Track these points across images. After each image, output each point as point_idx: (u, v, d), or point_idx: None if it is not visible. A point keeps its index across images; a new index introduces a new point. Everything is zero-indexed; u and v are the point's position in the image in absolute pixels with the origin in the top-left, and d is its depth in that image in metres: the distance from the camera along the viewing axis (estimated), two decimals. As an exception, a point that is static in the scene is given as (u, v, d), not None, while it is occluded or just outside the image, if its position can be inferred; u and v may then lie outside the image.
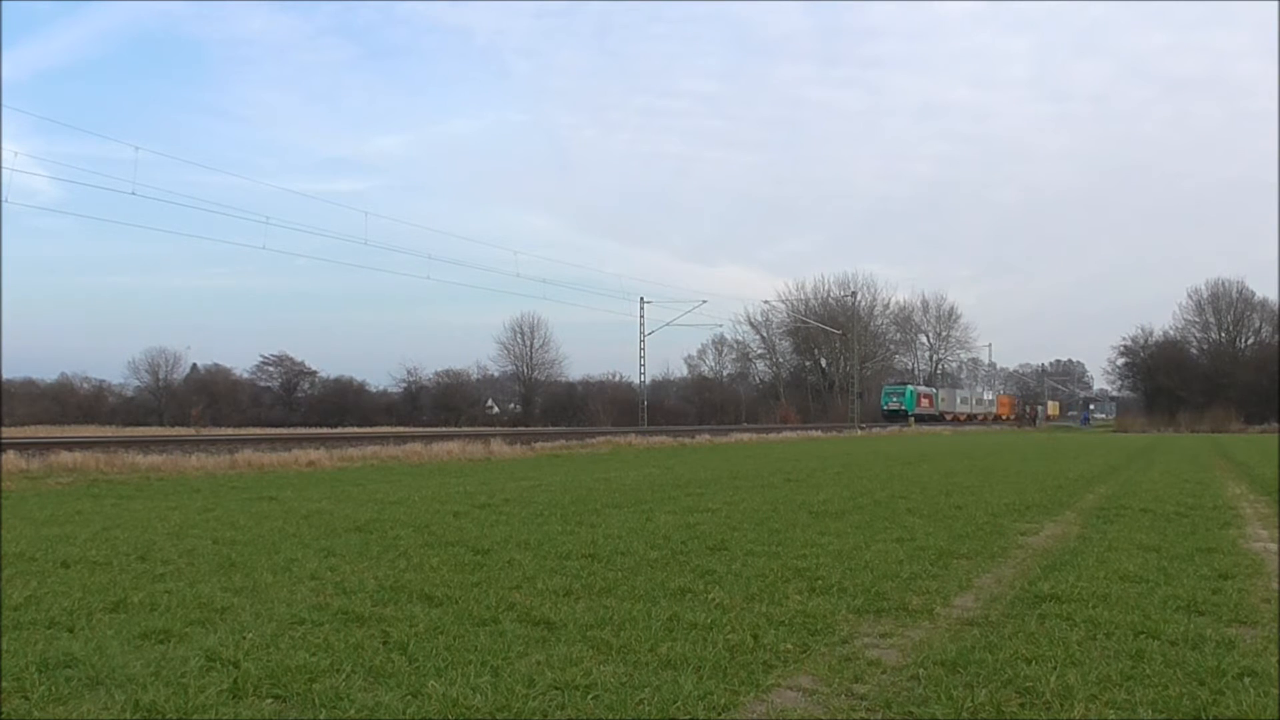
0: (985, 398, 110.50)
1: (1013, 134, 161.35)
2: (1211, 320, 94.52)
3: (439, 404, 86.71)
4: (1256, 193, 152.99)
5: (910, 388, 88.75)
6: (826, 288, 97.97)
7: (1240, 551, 8.45)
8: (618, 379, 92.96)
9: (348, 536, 8.86)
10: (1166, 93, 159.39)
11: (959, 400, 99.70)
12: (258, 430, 48.23)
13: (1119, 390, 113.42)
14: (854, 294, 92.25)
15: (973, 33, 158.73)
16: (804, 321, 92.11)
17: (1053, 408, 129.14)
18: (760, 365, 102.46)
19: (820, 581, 6.60)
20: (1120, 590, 6.43)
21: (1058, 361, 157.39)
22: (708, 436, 39.55)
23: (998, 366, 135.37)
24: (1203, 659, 4.71)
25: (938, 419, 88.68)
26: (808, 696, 4.20)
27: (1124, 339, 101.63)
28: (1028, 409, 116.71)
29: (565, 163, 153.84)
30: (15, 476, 14.85)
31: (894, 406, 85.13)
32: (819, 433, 51.66)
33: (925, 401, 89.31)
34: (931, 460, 24.26)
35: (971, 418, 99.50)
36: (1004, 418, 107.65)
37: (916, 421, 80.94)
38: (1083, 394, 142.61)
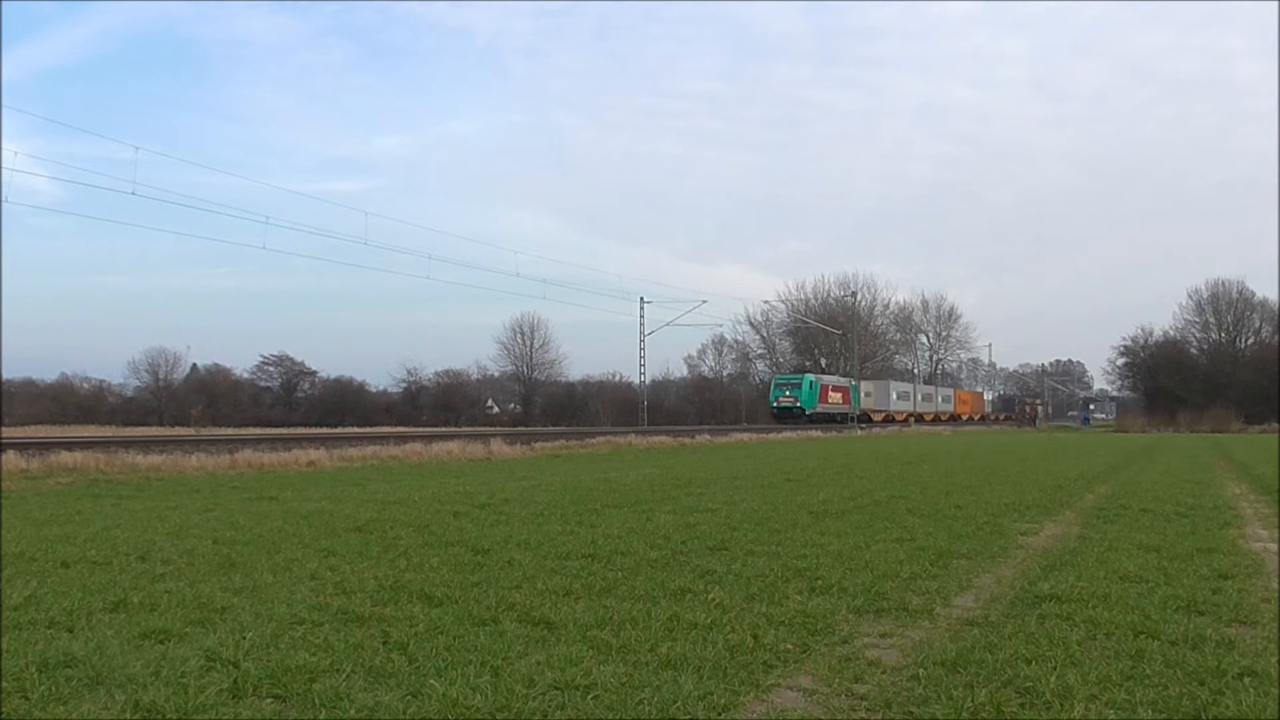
0: (938, 395, 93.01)
1: (1012, 134, 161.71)
2: (1211, 320, 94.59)
3: (439, 404, 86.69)
4: (1256, 193, 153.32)
5: (810, 377, 68.99)
6: (826, 288, 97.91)
7: (1240, 551, 8.45)
8: (618, 379, 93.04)
9: (348, 536, 8.86)
10: (1166, 93, 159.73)
11: (894, 396, 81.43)
12: (258, 430, 48.21)
13: (1119, 390, 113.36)
14: (854, 294, 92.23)
15: (972, 33, 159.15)
16: (804, 321, 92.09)
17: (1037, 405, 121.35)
18: (760, 365, 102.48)
19: (820, 581, 6.60)
20: (1120, 590, 6.43)
21: (1058, 361, 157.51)
22: (708, 436, 39.54)
23: (998, 366, 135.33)
24: (1203, 659, 4.71)
25: (858, 420, 70.14)
26: (808, 696, 4.20)
27: (1124, 339, 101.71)
28: (1028, 409, 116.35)
29: (565, 163, 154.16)
30: (15, 476, 14.85)
31: (786, 403, 65.99)
32: (819, 433, 51.64)
33: (836, 396, 70.14)
34: (931, 460, 24.26)
35: (916, 419, 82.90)
36: (964, 418, 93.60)
37: (826, 423, 64.12)
38: (1083, 394, 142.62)
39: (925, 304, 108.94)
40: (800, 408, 65.47)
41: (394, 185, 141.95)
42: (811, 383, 67.78)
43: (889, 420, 77.91)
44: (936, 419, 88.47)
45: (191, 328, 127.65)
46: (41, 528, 9.33)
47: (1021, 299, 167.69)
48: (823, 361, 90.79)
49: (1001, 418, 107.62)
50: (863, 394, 75.50)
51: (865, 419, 73.82)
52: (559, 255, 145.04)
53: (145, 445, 20.74)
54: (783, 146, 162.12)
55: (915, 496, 13.30)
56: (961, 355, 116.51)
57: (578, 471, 18.79)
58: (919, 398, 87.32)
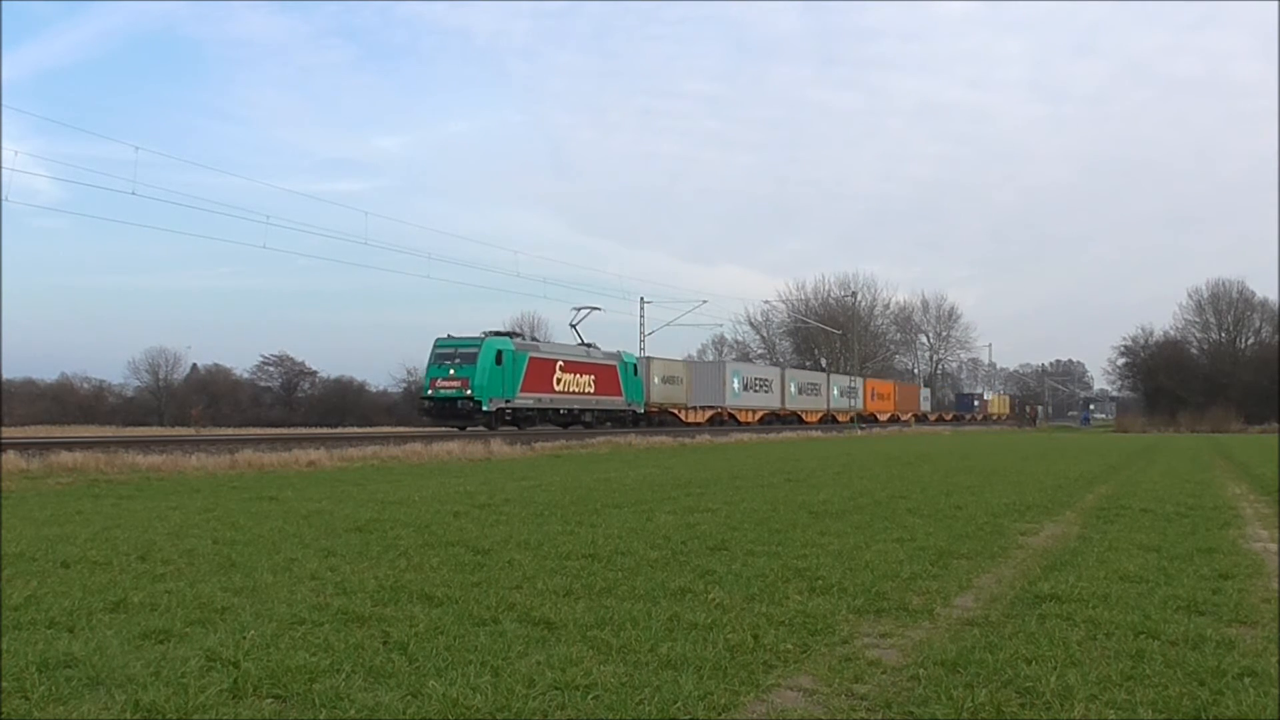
0: (830, 386, 67.27)
1: (1011, 134, 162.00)
2: (1211, 320, 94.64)
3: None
4: (1256, 193, 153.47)
5: (503, 344, 37.02)
6: (826, 288, 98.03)
7: (1240, 551, 8.45)
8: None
9: (348, 536, 8.86)
10: (1165, 93, 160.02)
11: (735, 386, 53.29)
12: (258, 430, 48.16)
13: (1119, 390, 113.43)
14: (854, 294, 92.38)
15: (970, 33, 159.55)
16: (804, 321, 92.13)
17: (998, 402, 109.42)
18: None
19: (820, 581, 6.60)
20: (1120, 590, 6.43)
21: (1058, 361, 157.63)
22: (708, 436, 39.51)
23: (998, 366, 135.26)
24: (1203, 659, 4.71)
25: (644, 421, 45.40)
26: (808, 696, 4.20)
27: (1124, 339, 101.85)
28: (1028, 409, 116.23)
29: (565, 163, 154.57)
30: (15, 476, 14.83)
31: (447, 389, 35.52)
32: (819, 433, 51.62)
33: (579, 380, 40.69)
34: (931, 460, 24.26)
35: (785, 418, 59.19)
36: (882, 418, 73.80)
37: (564, 428, 38.97)
38: (1083, 394, 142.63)
39: (925, 304, 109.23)
40: (472, 399, 34.83)
41: (394, 185, 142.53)
42: (501, 354, 36.10)
43: (724, 420, 52.64)
44: (830, 419, 65.42)
45: (191, 328, 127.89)
46: (41, 528, 9.33)
47: (1021, 299, 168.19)
48: (823, 361, 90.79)
49: (950, 417, 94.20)
50: (656, 379, 47.07)
51: (664, 418, 48.41)
52: (559, 255, 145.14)
53: (145, 445, 20.72)
54: (782, 147, 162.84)
55: (915, 496, 13.30)
56: (961, 355, 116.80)
57: (578, 471, 18.78)
58: (791, 389, 60.47)
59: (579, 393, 41.31)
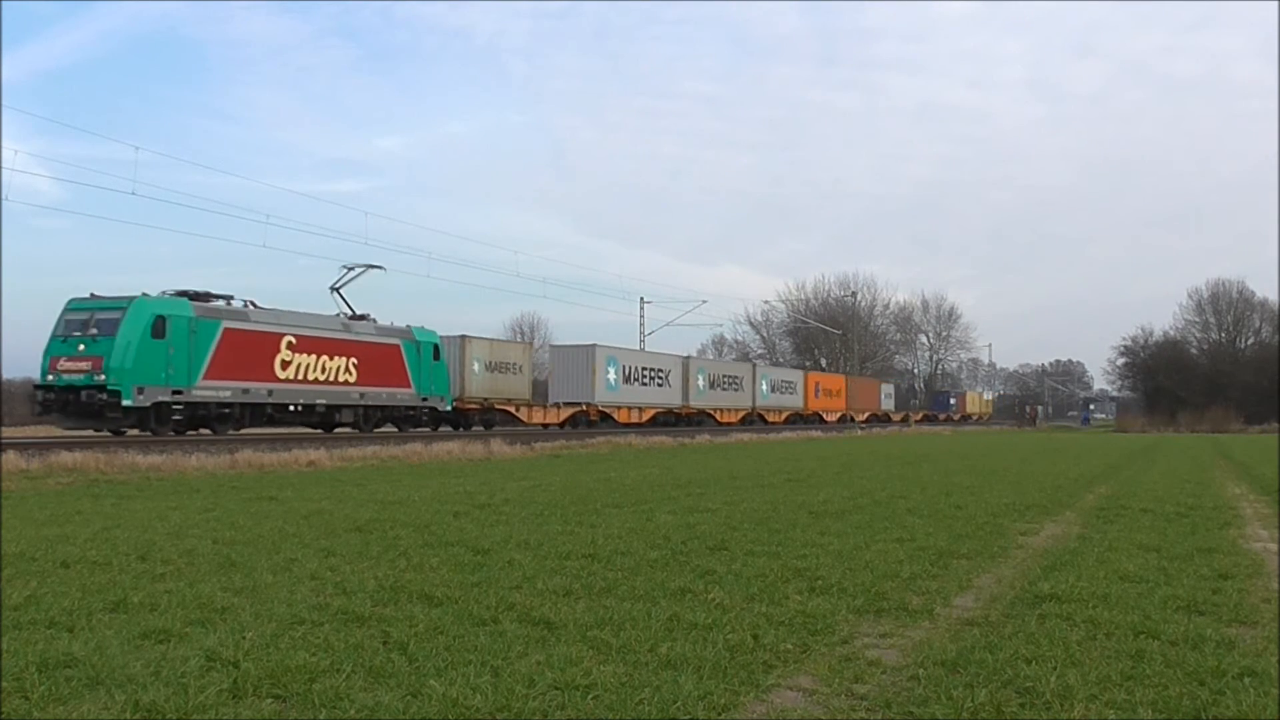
0: (758, 380, 54.26)
1: (1011, 134, 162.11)
2: (1211, 320, 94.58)
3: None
4: (1256, 193, 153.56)
5: (173, 310, 24.64)
6: (826, 288, 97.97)
7: (1240, 551, 8.46)
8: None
9: (348, 536, 8.85)
10: (1164, 94, 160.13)
11: (611, 378, 42.79)
12: (258, 430, 48.04)
13: (1119, 390, 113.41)
14: (854, 294, 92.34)
15: (970, 34, 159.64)
16: (804, 321, 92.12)
17: (980, 402, 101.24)
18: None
19: (820, 581, 6.60)
20: (1120, 590, 6.43)
21: (1058, 361, 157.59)
22: (708, 436, 39.51)
23: (998, 366, 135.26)
24: (1203, 659, 4.71)
25: (461, 422, 35.58)
26: (808, 696, 4.20)
27: (1124, 339, 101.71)
28: (1028, 409, 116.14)
29: (565, 163, 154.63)
30: (15, 476, 14.83)
31: (72, 372, 23.54)
32: (819, 433, 51.60)
33: (326, 363, 29.00)
34: (931, 460, 24.26)
35: (683, 416, 47.97)
36: (827, 416, 62.40)
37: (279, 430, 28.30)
38: (1083, 394, 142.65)
39: (925, 304, 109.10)
40: (104, 389, 23.39)
41: (394, 185, 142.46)
42: (165, 320, 24.57)
43: (593, 421, 41.68)
44: (756, 419, 54.04)
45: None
46: (41, 528, 9.32)
47: (1021, 299, 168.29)
48: (823, 361, 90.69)
49: (919, 417, 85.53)
50: (476, 366, 36.21)
51: (491, 417, 37.61)
52: (559, 255, 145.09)
53: (145, 445, 20.72)
54: (782, 147, 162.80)
55: (915, 496, 13.29)
56: (961, 355, 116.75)
57: (578, 471, 18.78)
58: (699, 382, 48.85)
59: (329, 381, 29.27)
